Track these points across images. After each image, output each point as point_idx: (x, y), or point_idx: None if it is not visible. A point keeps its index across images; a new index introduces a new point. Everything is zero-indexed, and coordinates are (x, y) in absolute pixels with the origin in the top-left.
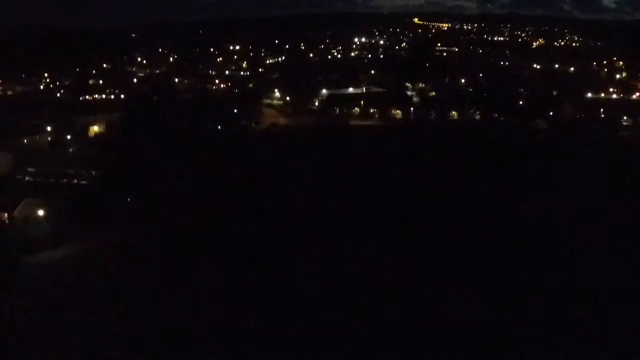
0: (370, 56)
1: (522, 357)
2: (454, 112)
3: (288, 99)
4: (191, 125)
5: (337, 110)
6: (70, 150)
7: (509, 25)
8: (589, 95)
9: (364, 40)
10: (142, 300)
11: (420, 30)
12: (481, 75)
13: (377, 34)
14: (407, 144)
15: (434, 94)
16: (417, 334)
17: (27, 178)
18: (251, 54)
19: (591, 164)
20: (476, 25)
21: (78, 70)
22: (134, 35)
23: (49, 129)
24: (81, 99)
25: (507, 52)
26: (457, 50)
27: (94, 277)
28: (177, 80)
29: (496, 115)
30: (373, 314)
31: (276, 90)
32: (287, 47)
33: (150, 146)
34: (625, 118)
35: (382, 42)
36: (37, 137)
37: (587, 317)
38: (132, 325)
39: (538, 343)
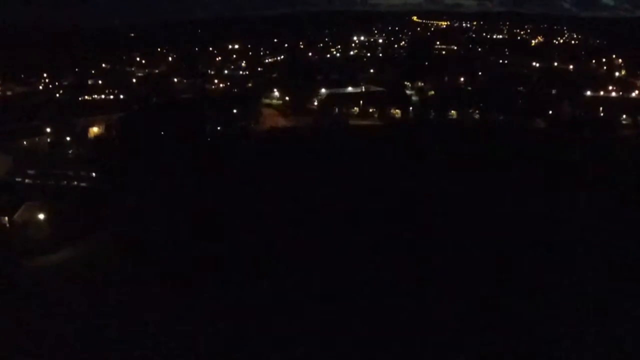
0: (369, 54)
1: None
2: (452, 111)
3: (287, 98)
4: (190, 126)
5: (336, 110)
6: (70, 152)
7: (507, 23)
8: (588, 93)
9: (362, 38)
10: (142, 301)
11: (418, 28)
12: (480, 73)
13: (375, 32)
14: (406, 144)
15: (432, 92)
16: (417, 334)
17: (26, 180)
18: (250, 53)
19: (590, 164)
20: (475, 22)
21: (77, 70)
22: (132, 35)
23: (48, 130)
24: (80, 99)
25: (506, 50)
26: (455, 48)
27: (94, 280)
28: (175, 79)
29: (495, 114)
30: (371, 314)
31: (275, 90)
32: (286, 45)
33: (149, 148)
34: (624, 116)
35: (380, 40)
36: (37, 139)
37: (588, 317)
38: (132, 327)
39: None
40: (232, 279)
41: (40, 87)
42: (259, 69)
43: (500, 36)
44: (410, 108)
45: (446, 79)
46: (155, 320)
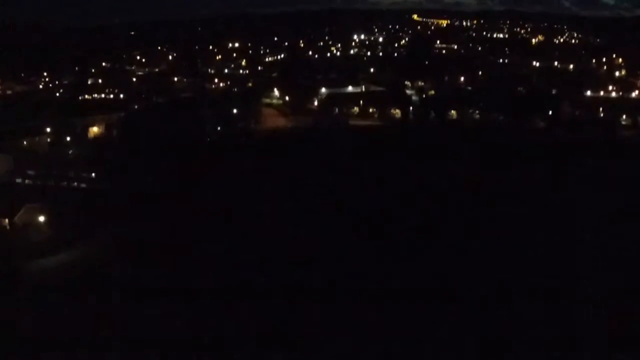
0: (369, 53)
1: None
2: (453, 111)
3: (287, 98)
4: (190, 126)
5: (337, 110)
6: (70, 152)
7: (508, 22)
8: (588, 93)
9: (362, 37)
10: (143, 303)
11: (419, 27)
12: (480, 73)
13: (375, 30)
14: (406, 144)
15: (432, 92)
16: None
17: (26, 181)
18: (250, 51)
19: (589, 165)
20: (475, 21)
21: (77, 68)
22: (132, 33)
23: (48, 130)
24: (80, 98)
25: (506, 49)
26: (456, 47)
27: (94, 282)
28: (176, 79)
29: (495, 114)
30: (370, 316)
31: (275, 89)
32: (286, 44)
33: (149, 148)
34: (624, 117)
35: (380, 39)
36: (37, 139)
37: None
38: (133, 329)
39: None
40: (232, 279)
41: (41, 86)
42: (259, 67)
43: (501, 35)
44: (411, 108)
45: (446, 78)
46: (156, 322)
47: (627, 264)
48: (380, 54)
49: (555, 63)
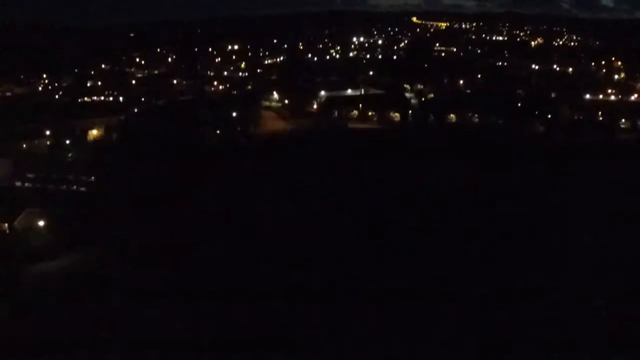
0: (368, 56)
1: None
2: (452, 115)
3: (286, 101)
4: (189, 130)
5: (336, 113)
6: (69, 155)
7: (507, 24)
8: (587, 96)
9: (362, 39)
10: (143, 307)
11: (418, 30)
12: (479, 76)
13: (375, 32)
14: (405, 148)
15: (432, 95)
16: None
17: (26, 184)
18: (249, 54)
19: (588, 168)
20: (474, 24)
21: (76, 70)
22: (132, 35)
23: (47, 132)
24: (79, 100)
25: (505, 52)
26: (455, 50)
27: (94, 287)
28: (175, 81)
29: (494, 117)
30: (370, 318)
31: (274, 92)
32: (285, 46)
33: (148, 151)
34: (622, 120)
35: (380, 42)
36: (36, 142)
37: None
38: (133, 333)
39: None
40: (233, 282)
41: (40, 88)
42: (259, 70)
43: (500, 37)
44: (410, 112)
45: (445, 81)
46: (156, 326)
47: (627, 266)
48: (380, 56)
49: (555, 66)
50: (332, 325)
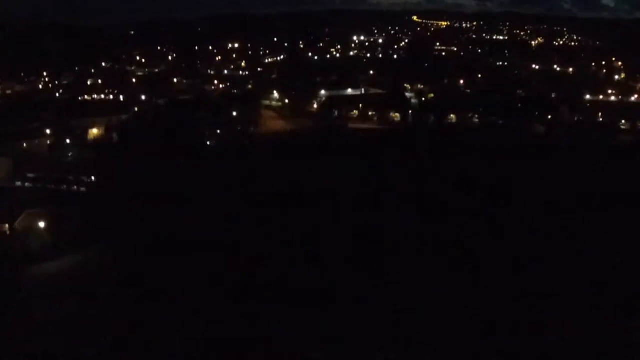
0: (368, 55)
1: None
2: (452, 115)
3: (287, 100)
4: (190, 130)
5: (336, 113)
6: (70, 155)
7: (507, 24)
8: (588, 96)
9: (362, 38)
10: (144, 310)
11: (418, 29)
12: (480, 76)
13: (375, 32)
14: (405, 149)
15: (432, 95)
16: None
17: (26, 184)
18: (249, 52)
19: (589, 170)
20: (475, 23)
21: (77, 69)
22: (132, 33)
23: (48, 132)
24: (80, 99)
25: (506, 51)
26: (455, 49)
27: (95, 289)
28: (175, 80)
29: (494, 118)
30: (369, 319)
31: (275, 92)
32: (286, 45)
33: (148, 152)
34: (623, 121)
35: (380, 41)
36: (37, 141)
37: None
38: (134, 335)
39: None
40: (233, 286)
41: (40, 86)
42: (259, 69)
43: (501, 37)
44: (410, 112)
45: (446, 81)
46: (157, 327)
47: (627, 267)
48: (380, 55)
49: (555, 66)
50: (331, 327)
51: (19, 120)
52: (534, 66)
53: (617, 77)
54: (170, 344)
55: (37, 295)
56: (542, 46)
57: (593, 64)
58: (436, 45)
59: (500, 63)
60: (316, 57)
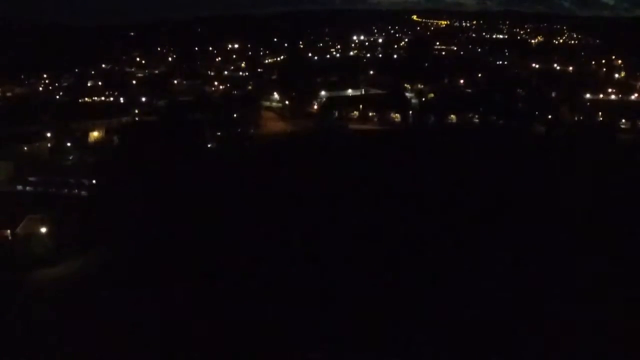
0: (368, 55)
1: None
2: (452, 115)
3: (287, 101)
4: (191, 131)
5: (336, 114)
6: (70, 158)
7: (507, 22)
8: (588, 95)
9: (362, 37)
10: (145, 314)
11: (418, 28)
12: (479, 75)
13: (375, 31)
14: (406, 150)
15: (432, 95)
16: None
17: (27, 188)
18: (249, 52)
19: (589, 170)
20: (474, 22)
21: (77, 70)
22: (132, 34)
23: (48, 134)
24: (80, 101)
25: (506, 50)
26: (455, 48)
27: (96, 293)
28: (175, 81)
29: (494, 118)
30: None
31: (275, 92)
32: (286, 45)
33: (149, 154)
34: (623, 120)
35: (380, 40)
36: (37, 144)
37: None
38: (135, 340)
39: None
40: (234, 289)
41: (40, 88)
42: (259, 69)
43: (500, 36)
44: (410, 112)
45: (446, 81)
46: (158, 333)
47: (628, 266)
48: (380, 55)
49: (555, 65)
50: (330, 327)
51: (20, 123)
52: (533, 65)
53: (617, 75)
54: (170, 345)
55: (39, 301)
56: (542, 45)
57: (593, 63)
58: (436, 45)
59: (500, 62)
60: (316, 57)
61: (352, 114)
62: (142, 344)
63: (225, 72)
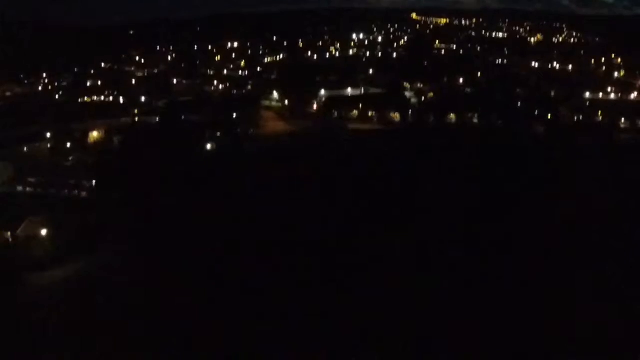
0: (368, 54)
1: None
2: (452, 115)
3: (286, 101)
4: (190, 133)
5: (336, 113)
6: (70, 158)
7: (507, 21)
8: (587, 95)
9: (362, 36)
10: (146, 316)
11: (418, 26)
12: (479, 74)
13: (375, 29)
14: (405, 151)
15: (431, 95)
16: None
17: (27, 189)
18: (249, 52)
19: (588, 171)
20: (474, 20)
21: (76, 69)
22: (131, 32)
23: (48, 135)
24: (80, 100)
25: (505, 49)
26: (455, 47)
27: (95, 296)
28: (175, 81)
29: (494, 118)
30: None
31: (274, 92)
32: (285, 44)
33: (148, 155)
34: (622, 120)
35: (380, 39)
36: (37, 144)
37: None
38: (135, 342)
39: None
40: (234, 291)
41: (40, 88)
42: (258, 68)
43: (500, 34)
44: (409, 112)
45: (445, 80)
46: (158, 334)
47: (628, 265)
48: (380, 54)
49: (554, 63)
50: (330, 327)
51: (19, 123)
52: (533, 64)
53: (616, 74)
54: (171, 346)
55: (40, 304)
56: (542, 43)
57: (592, 61)
58: (436, 43)
59: (500, 61)
60: (315, 57)
61: (352, 113)
62: (141, 345)
63: (225, 72)
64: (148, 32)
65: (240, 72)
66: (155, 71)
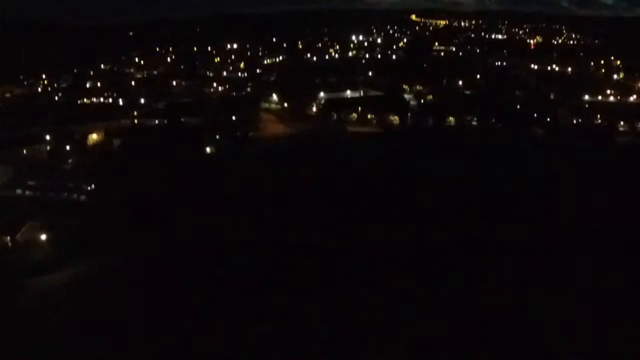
0: (367, 55)
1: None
2: (451, 118)
3: (285, 103)
4: (190, 135)
5: (335, 116)
6: (69, 161)
7: (506, 22)
8: (586, 97)
9: (361, 38)
10: (146, 319)
11: (417, 28)
12: (478, 76)
13: (374, 31)
14: (404, 154)
15: (431, 97)
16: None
17: (27, 192)
18: (248, 53)
19: (587, 173)
20: (473, 21)
21: (75, 70)
22: (131, 33)
23: (47, 137)
24: (79, 102)
25: (504, 51)
26: (454, 49)
27: (94, 300)
28: (174, 82)
29: (493, 120)
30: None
31: (274, 94)
32: (285, 45)
33: (147, 158)
34: (622, 123)
35: (379, 41)
36: (37, 147)
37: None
38: (135, 345)
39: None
40: (234, 294)
41: (39, 89)
42: (258, 70)
43: (499, 36)
44: (409, 114)
45: (444, 82)
46: (158, 337)
47: (626, 269)
48: (379, 55)
49: (554, 66)
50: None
51: (19, 125)
52: (532, 66)
53: (615, 76)
54: (171, 350)
55: (39, 308)
56: (541, 45)
57: (592, 63)
58: (435, 45)
59: (499, 63)
60: (315, 58)
61: (351, 116)
62: (141, 348)
63: (224, 73)
64: (148, 33)
65: (239, 73)
66: (155, 72)
